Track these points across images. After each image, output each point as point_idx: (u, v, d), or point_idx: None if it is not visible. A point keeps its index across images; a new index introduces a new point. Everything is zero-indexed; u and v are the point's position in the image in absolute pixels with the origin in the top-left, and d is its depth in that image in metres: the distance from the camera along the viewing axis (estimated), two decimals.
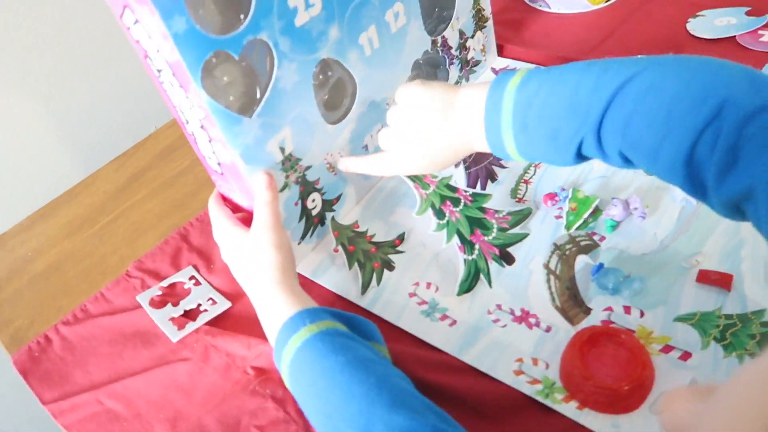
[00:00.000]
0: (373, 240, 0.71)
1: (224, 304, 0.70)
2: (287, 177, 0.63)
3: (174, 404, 0.62)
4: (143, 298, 0.72)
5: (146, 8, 0.46)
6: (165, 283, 0.74)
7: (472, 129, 0.54)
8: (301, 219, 0.68)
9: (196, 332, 0.67)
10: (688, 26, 0.88)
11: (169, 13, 0.46)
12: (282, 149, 0.61)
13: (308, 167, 0.66)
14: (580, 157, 0.49)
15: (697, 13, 0.89)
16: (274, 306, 0.56)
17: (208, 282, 0.73)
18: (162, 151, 0.94)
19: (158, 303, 0.72)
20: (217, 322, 0.68)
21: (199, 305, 0.70)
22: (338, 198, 0.72)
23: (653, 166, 0.44)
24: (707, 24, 0.87)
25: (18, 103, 0.92)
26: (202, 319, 0.69)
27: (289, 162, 0.63)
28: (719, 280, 0.58)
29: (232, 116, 0.55)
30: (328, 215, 0.71)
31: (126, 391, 0.64)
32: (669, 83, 0.42)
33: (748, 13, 0.86)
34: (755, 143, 0.37)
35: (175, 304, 0.71)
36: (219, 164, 0.60)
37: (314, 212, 0.69)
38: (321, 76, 0.63)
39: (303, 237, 0.70)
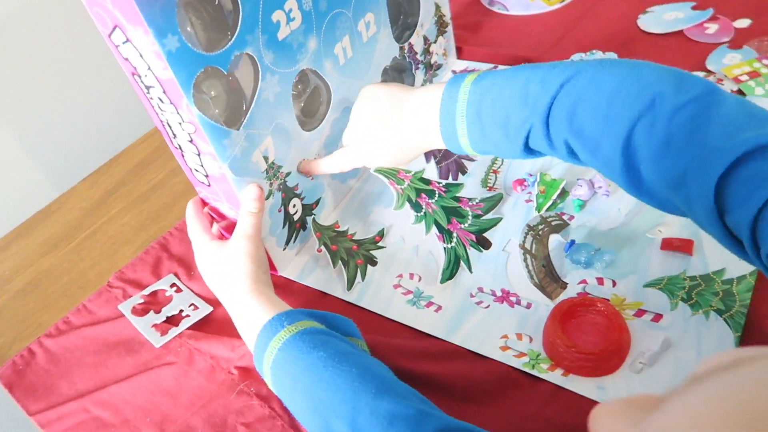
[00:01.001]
0: (354, 238, 0.72)
1: (206, 309, 0.70)
2: (271, 185, 0.65)
3: (160, 408, 0.62)
4: (125, 307, 0.72)
5: (140, 28, 0.47)
6: (146, 292, 0.74)
7: (428, 123, 0.57)
8: (284, 225, 0.69)
9: (179, 337, 0.68)
10: (639, 22, 0.93)
11: (162, 32, 0.48)
12: (266, 158, 0.63)
13: (288, 173, 0.68)
14: (529, 150, 0.53)
15: (647, 9, 0.94)
16: (251, 313, 0.57)
17: (189, 288, 0.73)
18: (135, 166, 0.95)
19: (140, 311, 0.72)
20: (199, 327, 0.69)
21: (181, 311, 0.71)
22: (317, 202, 0.74)
23: (594, 155, 0.47)
24: (656, 19, 0.92)
25: None
26: (185, 324, 0.69)
27: (272, 170, 0.65)
28: (682, 246, 0.61)
29: (222, 130, 0.56)
30: (309, 219, 0.73)
31: (112, 398, 0.64)
32: (608, 79, 0.46)
33: (693, 8, 0.92)
34: (683, 132, 0.42)
35: (158, 311, 0.71)
36: (207, 176, 0.61)
37: (296, 217, 0.71)
38: (299, 86, 0.65)
39: (287, 242, 0.71)
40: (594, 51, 0.88)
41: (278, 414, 0.59)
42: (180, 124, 0.56)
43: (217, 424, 0.60)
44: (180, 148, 0.60)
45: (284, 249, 0.71)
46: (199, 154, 0.58)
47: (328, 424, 0.48)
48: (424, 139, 0.58)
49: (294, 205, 0.70)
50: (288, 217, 0.70)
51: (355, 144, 0.63)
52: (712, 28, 0.87)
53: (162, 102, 0.54)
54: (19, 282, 0.81)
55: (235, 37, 0.54)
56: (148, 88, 0.54)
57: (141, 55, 0.50)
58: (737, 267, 0.58)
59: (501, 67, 0.92)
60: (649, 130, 0.43)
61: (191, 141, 0.57)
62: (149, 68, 0.51)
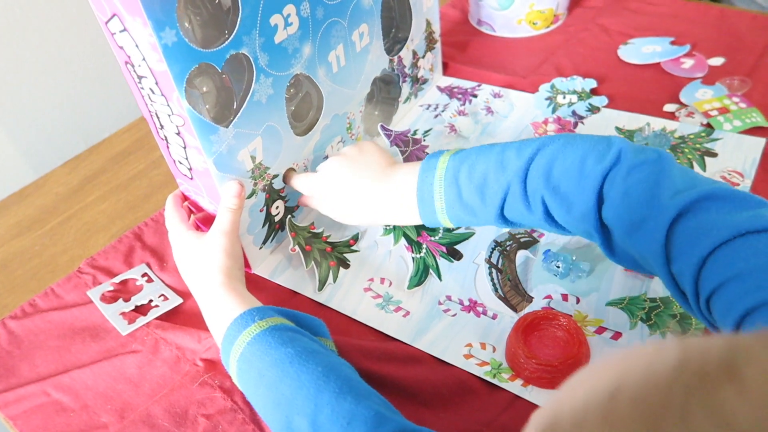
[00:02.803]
0: (329, 240, 0.73)
1: (175, 300, 0.70)
2: (255, 184, 0.66)
3: (122, 395, 0.62)
4: (94, 294, 0.72)
5: (139, 20, 0.48)
6: (117, 280, 0.74)
7: (406, 197, 0.60)
8: (264, 224, 0.70)
9: (146, 326, 0.68)
10: (619, 52, 0.96)
11: (161, 25, 0.49)
12: (253, 158, 0.64)
13: (275, 176, 0.69)
14: (504, 218, 0.56)
15: (627, 41, 0.98)
16: (222, 307, 0.58)
17: (161, 279, 0.74)
18: (116, 155, 0.95)
19: (109, 298, 0.72)
20: (168, 318, 0.69)
21: (151, 301, 0.71)
22: (298, 205, 0.75)
23: (570, 211, 0.51)
24: (635, 51, 0.95)
25: None
26: (153, 314, 0.69)
27: (258, 170, 0.66)
28: None
29: (210, 125, 0.57)
30: (286, 219, 0.74)
31: (73, 383, 0.64)
32: (581, 142, 0.52)
33: (672, 43, 0.95)
34: (640, 187, 0.47)
35: (126, 300, 0.71)
36: (190, 169, 0.62)
37: (277, 218, 0.72)
38: (292, 90, 0.67)
39: (264, 242, 0.72)
40: (574, 77, 0.91)
41: (240, 407, 0.59)
42: (169, 116, 0.56)
43: (178, 414, 0.60)
44: (166, 139, 0.60)
45: (260, 248, 0.71)
46: (185, 147, 0.59)
47: (289, 420, 0.49)
48: (398, 213, 0.62)
49: (277, 207, 0.71)
50: (269, 217, 0.71)
51: (323, 196, 0.66)
52: (688, 63, 0.91)
53: (153, 93, 0.55)
54: None
55: (232, 36, 0.55)
56: (140, 78, 0.54)
57: (137, 46, 0.51)
58: None
59: (484, 86, 0.95)
60: (612, 183, 0.48)
61: (178, 134, 0.58)
62: (144, 59, 0.52)
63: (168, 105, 0.55)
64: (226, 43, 0.55)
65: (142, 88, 0.55)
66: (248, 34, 0.57)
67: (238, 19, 0.55)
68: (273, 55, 0.61)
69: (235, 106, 0.59)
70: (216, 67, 0.55)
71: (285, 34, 0.61)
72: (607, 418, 0.22)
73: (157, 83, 0.53)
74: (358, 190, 0.63)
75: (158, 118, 0.58)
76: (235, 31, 0.55)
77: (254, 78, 0.60)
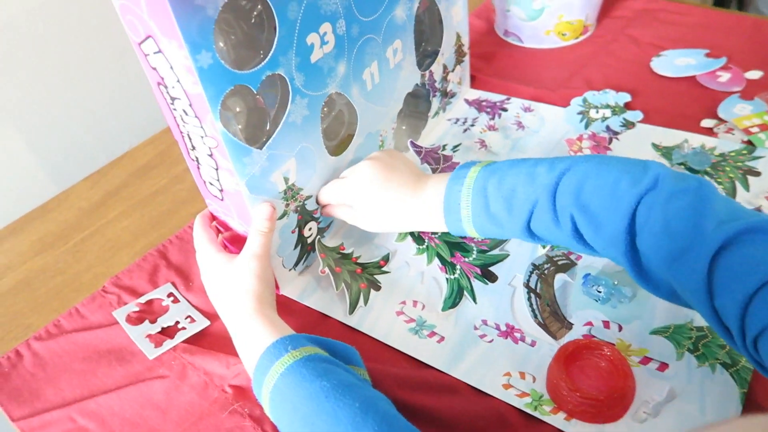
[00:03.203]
0: (359, 261, 0.71)
1: (203, 323, 0.69)
2: (287, 205, 0.64)
3: (149, 422, 0.60)
4: (120, 314, 0.70)
5: (175, 42, 0.47)
6: (142, 300, 0.72)
7: (432, 203, 0.61)
8: (296, 246, 0.68)
9: (173, 350, 0.66)
10: (651, 64, 0.93)
11: (197, 48, 0.47)
12: (286, 179, 0.62)
13: (308, 197, 0.67)
14: (530, 232, 0.55)
15: (660, 53, 0.95)
16: (253, 334, 0.56)
17: (187, 299, 0.72)
18: (138, 169, 0.94)
19: (135, 320, 0.70)
20: (195, 341, 0.67)
21: (177, 323, 0.69)
22: (329, 225, 0.73)
23: (598, 232, 0.50)
24: (669, 63, 0.93)
25: None
26: (180, 337, 0.67)
27: (291, 192, 0.64)
28: None
29: (244, 147, 0.55)
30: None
31: (99, 408, 0.62)
32: (615, 163, 0.51)
33: (707, 55, 0.93)
34: (681, 215, 0.45)
35: (153, 321, 0.70)
36: (221, 191, 0.60)
37: (309, 240, 0.70)
38: (326, 109, 0.65)
39: (296, 264, 0.70)
40: (607, 90, 0.88)
41: None
42: (202, 137, 0.55)
43: None
44: (197, 161, 0.59)
45: (290, 270, 0.69)
46: (217, 169, 0.58)
47: None
48: (425, 220, 0.62)
49: (310, 228, 0.69)
50: (301, 239, 0.69)
51: (353, 202, 0.65)
52: (724, 76, 0.88)
53: (186, 114, 0.53)
54: (9, 280, 0.79)
55: (269, 57, 0.54)
56: (173, 99, 0.53)
57: (171, 68, 0.49)
58: None
59: (514, 99, 0.92)
60: (650, 209, 0.47)
61: (211, 155, 0.56)
62: (178, 81, 0.50)
63: (201, 127, 0.53)
64: (263, 64, 0.53)
65: (175, 110, 0.54)
66: (284, 55, 0.55)
67: (275, 39, 0.54)
68: (309, 75, 0.59)
69: (268, 128, 0.58)
70: (251, 89, 0.54)
71: (321, 53, 0.60)
72: None
73: (190, 105, 0.52)
74: (390, 197, 0.63)
75: (190, 139, 0.56)
76: (271, 52, 0.54)
77: (290, 99, 0.58)
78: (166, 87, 0.52)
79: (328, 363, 0.52)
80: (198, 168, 0.60)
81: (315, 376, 0.50)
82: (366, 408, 0.47)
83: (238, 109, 0.55)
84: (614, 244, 0.49)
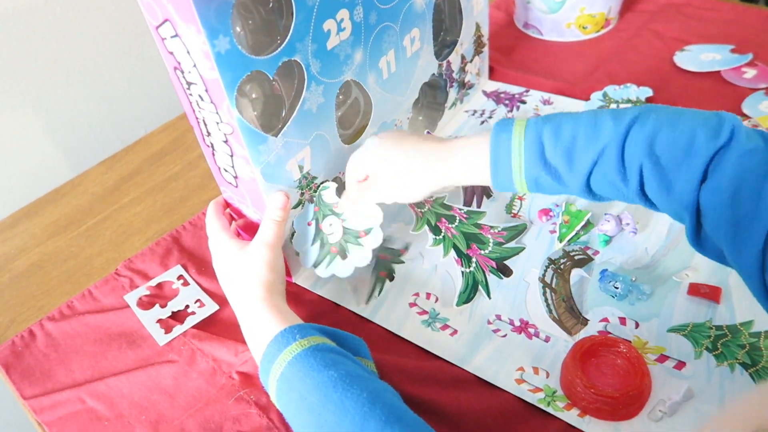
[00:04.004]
0: (383, 246, 0.70)
1: (212, 307, 0.69)
2: (302, 194, 0.63)
3: (157, 406, 0.60)
4: (131, 298, 0.70)
5: (193, 27, 0.46)
6: (153, 283, 0.72)
7: (475, 158, 0.54)
8: (313, 242, 0.64)
9: (183, 335, 0.66)
10: (675, 59, 0.92)
11: (215, 33, 0.47)
12: (300, 167, 0.62)
13: (323, 187, 0.65)
14: (589, 188, 0.51)
15: (684, 48, 0.93)
16: (261, 322, 0.55)
17: (197, 283, 0.72)
18: (152, 155, 0.93)
19: (146, 304, 0.70)
20: (204, 326, 0.67)
21: (187, 307, 0.69)
22: (367, 231, 0.64)
23: (668, 189, 0.46)
24: (693, 58, 0.91)
25: (7, 99, 0.90)
26: (190, 323, 0.67)
27: (306, 180, 0.63)
28: (709, 293, 0.59)
29: (259, 135, 0.55)
30: (350, 247, 0.63)
31: (109, 390, 0.62)
32: (688, 114, 0.47)
33: (732, 51, 0.91)
34: (750, 177, 0.42)
35: (163, 306, 0.69)
36: (236, 178, 0.60)
37: (331, 239, 0.64)
38: (340, 96, 0.64)
39: (316, 264, 0.64)
40: (629, 84, 0.87)
41: (276, 426, 0.57)
42: (217, 123, 0.54)
43: (212, 429, 0.58)
44: (212, 147, 0.58)
45: (312, 267, 0.65)
46: (231, 156, 0.57)
47: None
48: (464, 175, 0.56)
49: (330, 224, 0.64)
50: (319, 234, 0.64)
51: (373, 176, 0.60)
52: (750, 73, 0.86)
53: (202, 100, 0.53)
54: (23, 262, 0.79)
55: (285, 42, 0.53)
56: (189, 84, 0.52)
57: (188, 52, 0.49)
58: (766, 320, 0.56)
59: (533, 92, 0.91)
60: (721, 166, 0.44)
61: (226, 141, 0.56)
62: (195, 66, 0.50)
63: (217, 113, 0.53)
64: (279, 49, 0.53)
65: (191, 95, 0.53)
66: (301, 41, 0.54)
67: (292, 25, 0.53)
68: (325, 62, 0.58)
69: (284, 115, 0.57)
70: (267, 75, 0.53)
71: (337, 40, 0.59)
72: None
73: (207, 90, 0.51)
74: (416, 162, 0.57)
75: (206, 125, 0.56)
76: (288, 37, 0.53)
77: (305, 86, 0.57)
78: (182, 72, 0.51)
79: (336, 353, 0.52)
80: (213, 154, 0.59)
81: (323, 366, 0.49)
82: (374, 399, 0.47)
83: (254, 96, 0.54)
84: (681, 200, 0.46)
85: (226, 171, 0.60)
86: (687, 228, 0.47)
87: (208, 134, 0.57)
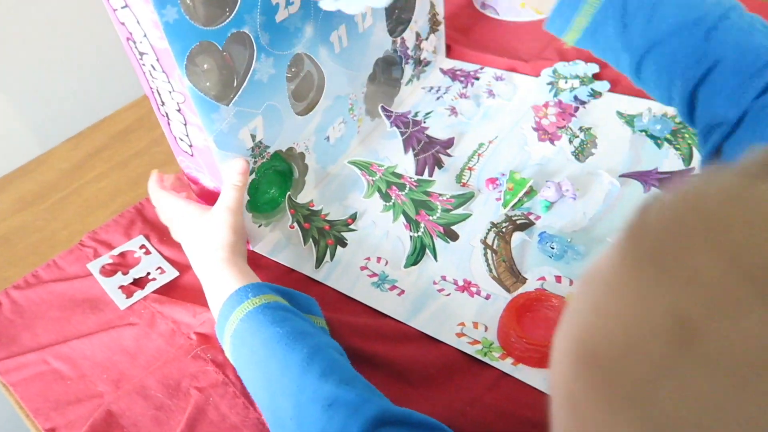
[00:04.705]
0: (328, 218, 0.74)
1: (172, 273, 0.71)
2: (255, 163, 0.66)
3: (118, 366, 0.63)
4: (94, 266, 0.73)
5: None
6: (116, 252, 0.75)
7: None
8: None
9: (144, 300, 0.69)
10: None
11: (162, 3, 0.49)
12: (253, 136, 0.64)
13: (276, 153, 0.69)
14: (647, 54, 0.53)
15: None
16: (221, 281, 0.58)
17: (159, 251, 0.74)
18: (118, 132, 0.95)
19: (109, 271, 0.73)
20: (164, 291, 0.70)
21: (148, 274, 0.72)
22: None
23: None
24: None
25: None
26: (150, 288, 0.70)
27: (259, 149, 0.66)
28: None
29: (211, 103, 0.57)
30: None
31: (72, 352, 0.65)
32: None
33: None
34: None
35: (125, 273, 0.72)
36: (191, 146, 0.62)
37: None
38: (293, 69, 0.67)
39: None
40: (577, 61, 0.90)
41: (231, 381, 0.60)
42: (170, 92, 0.57)
43: (171, 386, 0.60)
44: (167, 116, 0.61)
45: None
46: (185, 124, 0.60)
47: (274, 400, 0.50)
48: None
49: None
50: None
51: None
52: None
53: (154, 69, 0.55)
54: None
55: (233, 14, 0.56)
56: (141, 54, 0.55)
57: (138, 22, 0.51)
58: None
59: (487, 69, 0.94)
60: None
61: (179, 110, 0.58)
62: (145, 35, 0.52)
63: (169, 82, 0.55)
64: (228, 20, 0.55)
65: (144, 65, 0.56)
66: (249, 13, 0.57)
67: None
68: (274, 35, 0.61)
69: (235, 85, 0.60)
70: (217, 45, 0.56)
71: (286, 14, 0.61)
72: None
73: (158, 60, 0.53)
74: None
75: (159, 94, 0.58)
76: (236, 9, 0.56)
77: (255, 57, 0.60)
78: (134, 42, 0.54)
79: (286, 311, 0.55)
80: (168, 124, 0.62)
81: (270, 323, 0.52)
82: (313, 354, 0.50)
83: (206, 66, 0.57)
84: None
85: (181, 140, 0.63)
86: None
87: (163, 104, 0.59)
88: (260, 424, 0.56)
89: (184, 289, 0.69)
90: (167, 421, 0.57)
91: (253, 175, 0.67)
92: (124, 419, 0.58)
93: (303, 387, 0.48)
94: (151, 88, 0.59)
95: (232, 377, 0.60)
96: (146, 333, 0.66)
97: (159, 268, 0.72)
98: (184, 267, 0.71)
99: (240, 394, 0.58)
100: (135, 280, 0.71)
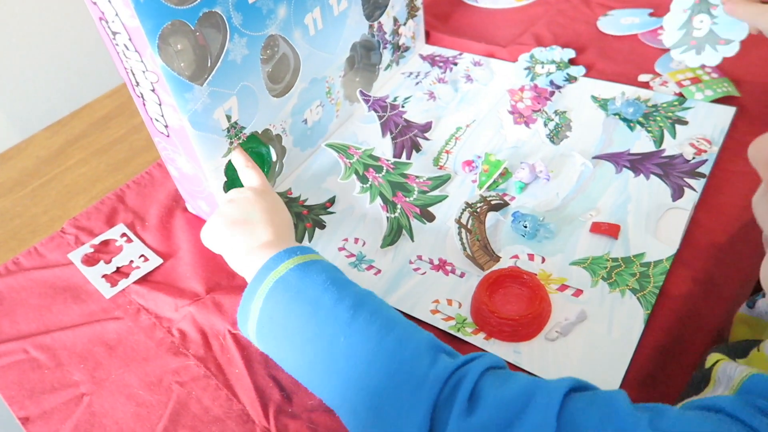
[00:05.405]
0: (306, 204, 0.75)
1: (156, 261, 0.72)
2: (231, 143, 0.67)
3: (96, 356, 0.63)
4: (75, 256, 0.73)
5: None
6: (96, 241, 0.75)
7: None
8: (681, 28, 0.72)
9: (128, 291, 0.69)
10: (598, 24, 0.97)
11: None
12: (228, 117, 0.65)
13: (252, 134, 0.69)
14: None
15: (607, 12, 0.99)
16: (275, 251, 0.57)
17: (141, 239, 0.75)
18: (98, 120, 0.96)
19: (91, 260, 0.73)
20: (148, 282, 0.70)
21: (132, 262, 0.72)
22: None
23: None
24: (614, 22, 0.96)
25: None
26: (135, 276, 0.70)
27: (234, 129, 0.67)
28: (608, 230, 0.65)
29: (184, 83, 0.58)
30: None
31: (53, 342, 0.64)
32: None
33: (651, 14, 0.96)
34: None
35: (108, 261, 0.72)
36: (166, 127, 0.63)
37: (695, 33, 0.72)
38: (268, 51, 0.67)
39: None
40: (554, 46, 0.92)
41: (213, 374, 0.60)
42: (143, 72, 0.57)
43: (152, 382, 0.60)
44: (142, 97, 0.61)
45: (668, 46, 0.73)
46: (160, 104, 0.60)
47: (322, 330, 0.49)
48: None
49: (701, 21, 0.71)
50: (689, 23, 0.72)
51: None
52: None
53: (127, 49, 0.56)
54: None
55: None
56: (114, 34, 0.55)
57: (109, 1, 0.52)
58: (655, 252, 0.62)
59: (465, 54, 0.96)
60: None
61: (153, 90, 0.59)
62: (117, 15, 0.52)
63: (142, 61, 0.56)
64: (199, 0, 0.56)
65: (117, 45, 0.56)
66: None
67: None
68: (247, 15, 0.61)
69: (209, 65, 0.60)
70: (189, 25, 0.56)
71: None
72: None
73: (130, 39, 0.54)
74: None
75: (134, 74, 0.59)
76: None
77: (228, 37, 0.60)
78: (106, 22, 0.54)
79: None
80: (144, 105, 0.63)
81: (320, 270, 0.54)
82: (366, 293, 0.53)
83: (179, 47, 0.57)
84: None
85: (157, 121, 0.63)
86: None
87: (137, 84, 0.60)
88: (244, 415, 0.56)
89: (168, 278, 0.70)
90: (148, 417, 0.57)
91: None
92: (106, 418, 0.57)
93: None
94: (125, 69, 0.59)
95: (214, 370, 0.60)
96: (129, 327, 0.65)
97: (142, 255, 0.72)
98: (167, 254, 0.71)
99: (222, 386, 0.59)
100: (118, 268, 0.71)
